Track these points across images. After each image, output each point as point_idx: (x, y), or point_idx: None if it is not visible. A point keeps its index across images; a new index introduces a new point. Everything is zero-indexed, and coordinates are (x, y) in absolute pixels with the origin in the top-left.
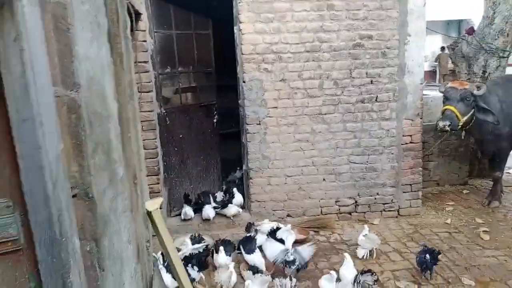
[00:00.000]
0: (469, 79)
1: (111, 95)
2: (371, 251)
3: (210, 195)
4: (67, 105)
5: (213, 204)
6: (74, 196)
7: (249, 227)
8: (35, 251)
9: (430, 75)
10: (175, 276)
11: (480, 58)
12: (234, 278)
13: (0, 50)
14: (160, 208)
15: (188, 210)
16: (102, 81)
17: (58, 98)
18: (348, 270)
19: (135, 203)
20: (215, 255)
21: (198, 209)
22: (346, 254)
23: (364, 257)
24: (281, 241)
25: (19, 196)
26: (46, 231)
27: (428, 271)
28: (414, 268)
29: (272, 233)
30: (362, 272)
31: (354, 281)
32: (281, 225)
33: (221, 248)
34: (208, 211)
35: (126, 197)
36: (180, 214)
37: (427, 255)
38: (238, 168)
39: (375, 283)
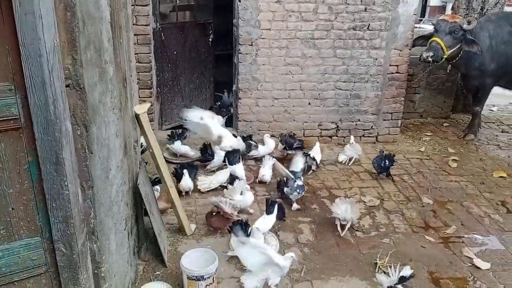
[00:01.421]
0: (467, 14)
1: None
2: (351, 159)
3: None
4: (63, 3)
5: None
6: (67, 86)
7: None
8: (33, 130)
9: (439, 10)
10: (158, 172)
11: None
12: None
13: None
14: (152, 120)
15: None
16: None
17: None
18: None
19: (124, 103)
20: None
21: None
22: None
23: (344, 162)
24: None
25: (20, 80)
26: (42, 112)
27: (384, 173)
28: (381, 187)
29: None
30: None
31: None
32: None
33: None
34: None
35: (115, 96)
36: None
37: (386, 161)
38: (225, 90)
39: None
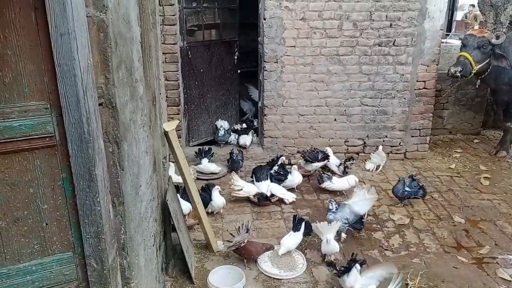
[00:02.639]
0: (494, 29)
1: (135, 20)
2: (378, 167)
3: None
4: (97, 25)
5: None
6: (100, 104)
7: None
8: (67, 147)
9: (465, 24)
10: (185, 188)
11: (509, 7)
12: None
13: None
14: (178, 131)
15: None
16: (127, 6)
17: (89, 18)
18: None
19: (154, 121)
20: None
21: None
22: (328, 148)
23: (371, 170)
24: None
25: (55, 99)
26: (77, 130)
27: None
28: (410, 205)
29: None
30: (346, 160)
31: (339, 165)
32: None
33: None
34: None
35: (146, 114)
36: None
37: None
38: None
39: (352, 164)
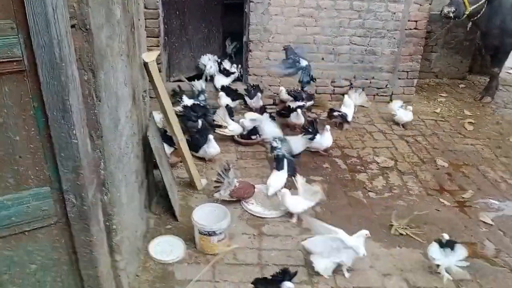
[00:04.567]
0: None
1: None
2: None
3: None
4: None
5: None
6: (72, 26)
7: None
8: (37, 73)
9: None
10: (166, 122)
11: None
12: None
13: None
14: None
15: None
16: None
17: None
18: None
19: (132, 50)
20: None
21: None
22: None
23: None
24: None
25: (22, 19)
26: (47, 54)
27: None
28: (394, 147)
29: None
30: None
31: None
32: None
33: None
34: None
35: (123, 41)
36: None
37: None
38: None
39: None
